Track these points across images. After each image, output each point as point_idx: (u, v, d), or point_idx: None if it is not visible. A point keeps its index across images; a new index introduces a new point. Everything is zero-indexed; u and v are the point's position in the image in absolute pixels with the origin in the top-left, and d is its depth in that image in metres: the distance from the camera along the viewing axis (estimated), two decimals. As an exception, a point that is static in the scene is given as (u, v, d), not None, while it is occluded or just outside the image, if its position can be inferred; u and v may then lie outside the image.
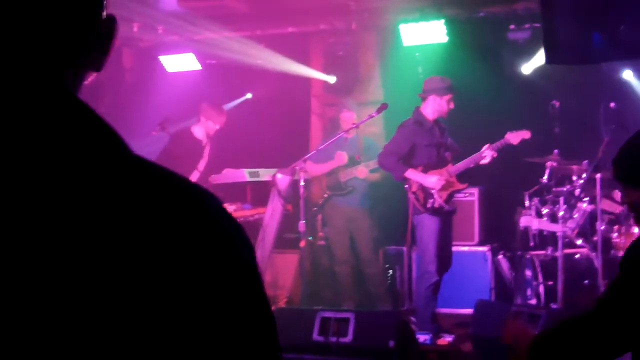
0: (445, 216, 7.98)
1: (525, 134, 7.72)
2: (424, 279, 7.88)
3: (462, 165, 7.90)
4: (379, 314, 7.51)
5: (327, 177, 9.13)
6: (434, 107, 7.96)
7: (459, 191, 8.16)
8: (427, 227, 7.89)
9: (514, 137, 7.75)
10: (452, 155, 8.03)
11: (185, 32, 10.32)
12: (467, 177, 8.05)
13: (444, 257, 7.93)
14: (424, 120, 7.98)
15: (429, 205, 7.90)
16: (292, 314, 7.39)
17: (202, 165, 8.87)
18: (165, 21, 10.20)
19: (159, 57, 10.74)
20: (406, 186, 8.02)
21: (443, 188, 7.89)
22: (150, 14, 9.73)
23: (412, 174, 7.92)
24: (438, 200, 7.89)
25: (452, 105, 7.97)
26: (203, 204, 1.22)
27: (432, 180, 7.87)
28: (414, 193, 7.96)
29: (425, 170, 7.93)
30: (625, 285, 2.99)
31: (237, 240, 1.22)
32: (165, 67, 10.81)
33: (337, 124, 9.34)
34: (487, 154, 7.79)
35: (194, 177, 8.69)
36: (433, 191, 7.88)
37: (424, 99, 8.01)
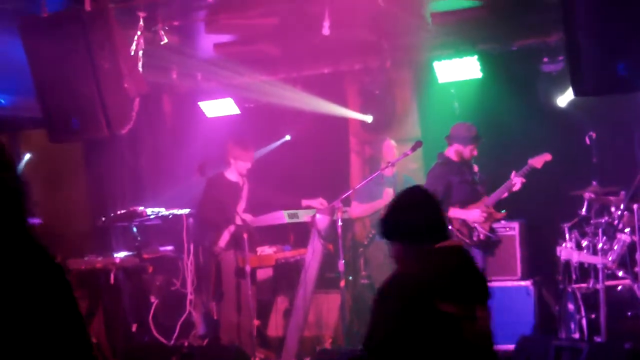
0: (489, 248, 8.12)
1: (547, 157, 8.02)
2: None
3: (495, 195, 8.12)
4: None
5: (370, 215, 9.18)
6: (457, 153, 8.19)
7: (499, 220, 8.31)
8: (480, 258, 8.07)
9: (537, 161, 8.04)
10: (484, 188, 8.15)
11: (222, 77, 10.47)
12: (507, 209, 8.10)
13: None
14: (450, 161, 8.17)
15: (475, 239, 8.10)
16: (336, 354, 7.42)
17: (241, 207, 8.96)
18: (202, 68, 10.37)
19: (198, 103, 10.90)
20: (450, 227, 8.09)
21: (485, 220, 8.08)
22: (188, 62, 9.91)
23: (454, 212, 8.14)
24: (482, 232, 8.12)
25: (475, 153, 8.27)
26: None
27: (475, 214, 8.13)
28: (458, 230, 8.08)
29: (463, 206, 8.10)
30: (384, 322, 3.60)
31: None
32: (205, 113, 10.97)
33: (377, 161, 9.41)
34: (516, 181, 7.99)
35: (234, 219, 8.80)
36: (476, 225, 8.08)
37: (449, 143, 8.21)
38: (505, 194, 8.15)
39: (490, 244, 8.19)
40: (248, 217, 8.67)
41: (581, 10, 5.60)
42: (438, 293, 3.64)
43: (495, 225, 8.75)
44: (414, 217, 3.86)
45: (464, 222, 8.16)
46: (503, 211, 8.19)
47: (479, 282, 3.92)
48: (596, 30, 5.71)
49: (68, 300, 1.59)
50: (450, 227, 8.12)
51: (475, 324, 3.72)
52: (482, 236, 8.12)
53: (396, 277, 3.79)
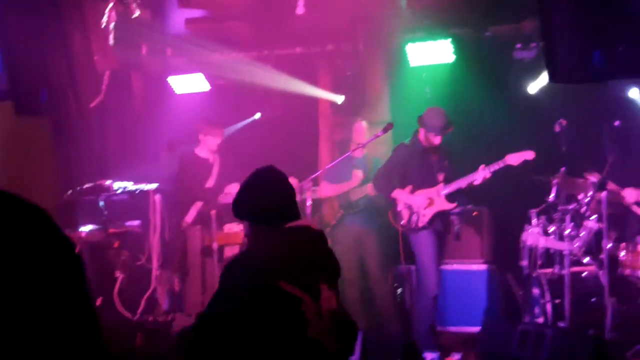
0: (440, 235, 8.11)
1: (528, 155, 7.82)
2: (422, 294, 8.02)
3: (454, 185, 8.07)
4: (387, 335, 7.53)
5: (338, 196, 9.16)
6: (425, 138, 8.21)
7: (445, 212, 8.21)
8: (422, 244, 8.18)
9: (515, 159, 7.88)
10: (445, 176, 8.10)
11: (193, 54, 10.38)
12: (472, 196, 8.08)
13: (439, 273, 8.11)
14: (417, 142, 8.16)
15: (412, 225, 8.18)
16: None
17: (211, 183, 8.93)
18: (173, 44, 10.27)
19: (167, 78, 10.79)
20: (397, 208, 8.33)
21: (428, 207, 8.09)
22: (158, 37, 9.80)
23: (398, 194, 8.25)
24: (422, 219, 8.15)
25: (438, 141, 8.11)
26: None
27: (416, 200, 8.18)
28: (399, 212, 8.29)
29: (415, 189, 8.13)
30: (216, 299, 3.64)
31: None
32: (174, 89, 10.87)
33: (346, 143, 9.38)
34: (479, 175, 7.85)
35: (202, 196, 8.75)
36: (419, 210, 8.13)
37: (420, 125, 8.19)
38: (464, 186, 8.10)
39: (436, 232, 8.18)
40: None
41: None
42: (281, 273, 3.68)
43: (461, 210, 8.81)
44: (261, 197, 3.93)
45: (407, 205, 8.25)
46: (455, 203, 8.18)
47: (326, 262, 3.98)
48: (573, 19, 5.74)
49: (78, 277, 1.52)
50: (397, 209, 8.31)
51: (319, 304, 3.75)
52: (420, 223, 8.16)
53: (242, 255, 3.91)
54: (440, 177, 8.17)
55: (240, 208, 4.01)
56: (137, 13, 7.98)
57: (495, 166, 7.92)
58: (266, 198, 3.92)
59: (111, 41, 7.56)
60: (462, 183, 8.05)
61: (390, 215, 8.50)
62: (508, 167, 7.88)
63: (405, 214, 8.29)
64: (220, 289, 3.72)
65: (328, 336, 3.77)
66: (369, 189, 8.95)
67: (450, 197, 8.14)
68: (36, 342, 1.37)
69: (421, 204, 8.17)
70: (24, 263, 1.38)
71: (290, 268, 3.73)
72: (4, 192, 1.47)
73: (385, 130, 8.22)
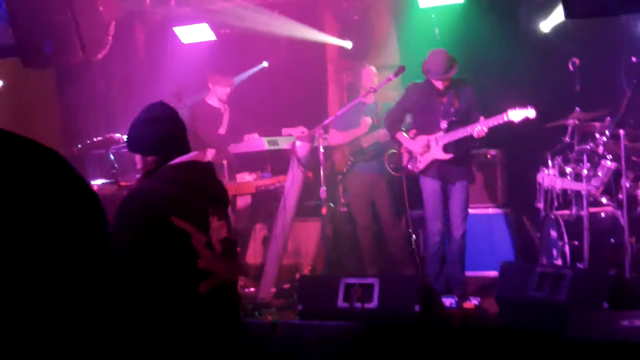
0: (443, 181, 7.97)
1: (530, 113, 7.48)
2: (427, 239, 7.96)
3: (452, 135, 7.83)
4: (404, 278, 7.49)
5: (349, 143, 9.07)
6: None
7: (437, 161, 8.00)
8: (422, 190, 8.11)
9: (516, 115, 7.51)
10: (450, 122, 7.88)
11: (196, 2, 10.22)
12: (485, 138, 7.91)
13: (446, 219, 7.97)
14: (429, 85, 7.96)
15: (410, 167, 8.15)
16: (316, 282, 7.38)
17: (222, 131, 8.86)
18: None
19: (173, 28, 10.64)
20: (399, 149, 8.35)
21: (425, 154, 8.01)
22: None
23: (401, 136, 8.17)
24: (418, 165, 8.06)
25: (446, 84, 7.91)
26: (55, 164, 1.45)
27: (414, 145, 8.07)
28: (401, 153, 8.30)
29: (418, 134, 7.98)
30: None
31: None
32: (180, 39, 10.73)
33: (356, 88, 9.27)
34: (475, 130, 7.65)
35: (214, 145, 8.68)
36: (415, 156, 8.06)
37: (423, 71, 8.03)
38: (463, 137, 7.81)
39: (436, 178, 8.02)
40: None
41: None
42: (172, 208, 3.77)
43: (475, 152, 8.70)
44: (150, 130, 3.98)
45: (406, 149, 8.20)
46: (450, 155, 7.95)
47: (215, 193, 4.07)
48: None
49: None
50: (399, 149, 8.31)
51: (209, 235, 3.83)
52: (415, 169, 8.10)
53: (136, 191, 3.92)
54: (444, 123, 7.93)
55: (131, 141, 4.09)
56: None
57: (494, 121, 7.58)
58: (153, 131, 3.98)
59: (115, -10, 7.43)
60: (458, 134, 7.81)
61: (385, 159, 8.48)
62: (504, 125, 7.66)
63: (405, 158, 8.24)
64: (115, 227, 3.72)
65: (219, 264, 3.83)
66: (380, 135, 8.85)
67: (447, 147, 7.93)
68: (55, 292, 1.34)
69: (419, 149, 8.04)
70: (45, 206, 1.36)
71: (181, 202, 3.82)
72: (19, 136, 1.39)
73: (396, 73, 8.08)
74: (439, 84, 7.90)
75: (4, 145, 1.38)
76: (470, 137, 7.78)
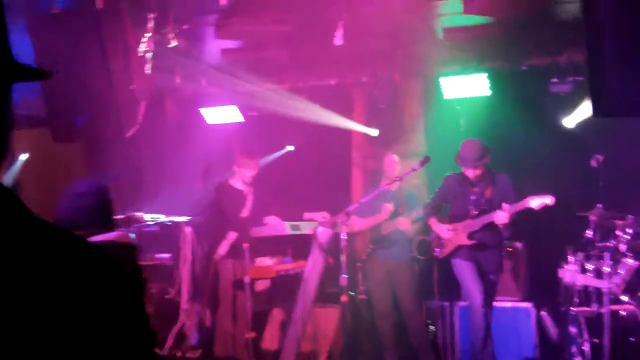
0: (479, 265, 7.97)
1: (548, 199, 7.48)
2: (472, 314, 7.99)
3: (477, 222, 7.87)
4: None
5: (370, 230, 9.08)
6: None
7: (461, 246, 8.05)
8: (456, 268, 8.13)
9: (535, 202, 7.52)
10: (480, 210, 7.93)
11: (227, 84, 10.38)
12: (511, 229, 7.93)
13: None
14: (462, 175, 8.06)
15: (435, 253, 8.25)
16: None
17: (245, 214, 8.89)
18: (208, 73, 10.28)
19: (199, 109, 10.80)
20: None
21: (451, 240, 8.08)
22: (193, 66, 9.81)
23: (433, 222, 8.32)
24: (443, 250, 8.16)
25: (478, 173, 7.98)
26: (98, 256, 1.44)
27: (442, 230, 8.18)
28: (431, 240, 8.43)
29: (451, 222, 8.06)
30: None
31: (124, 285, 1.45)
32: (205, 120, 10.88)
33: (379, 175, 9.31)
34: (500, 216, 7.66)
35: (236, 228, 8.71)
36: (443, 241, 8.17)
37: (456, 162, 8.14)
38: (481, 225, 7.87)
39: (469, 258, 8.03)
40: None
41: (605, 27, 5.52)
42: None
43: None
44: (76, 204, 4.09)
45: (436, 235, 8.32)
46: (473, 241, 7.99)
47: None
48: (620, 49, 5.63)
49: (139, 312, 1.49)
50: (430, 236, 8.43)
51: None
52: (441, 255, 8.19)
53: None
54: (473, 211, 8.00)
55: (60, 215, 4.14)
56: (174, 43, 7.98)
57: (515, 208, 7.62)
58: (83, 205, 4.08)
59: (148, 70, 7.56)
60: (482, 221, 7.86)
61: (415, 244, 8.53)
62: (525, 211, 7.68)
63: (434, 243, 8.30)
64: None
65: None
66: (400, 222, 8.88)
67: (473, 234, 7.96)
68: None
69: (446, 235, 8.13)
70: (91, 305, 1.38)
71: None
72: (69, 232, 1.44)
73: (422, 163, 8.13)
74: (470, 173, 7.97)
75: (57, 243, 1.41)
76: (500, 228, 7.79)
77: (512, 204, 7.65)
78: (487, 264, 7.96)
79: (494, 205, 7.81)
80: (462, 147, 8.09)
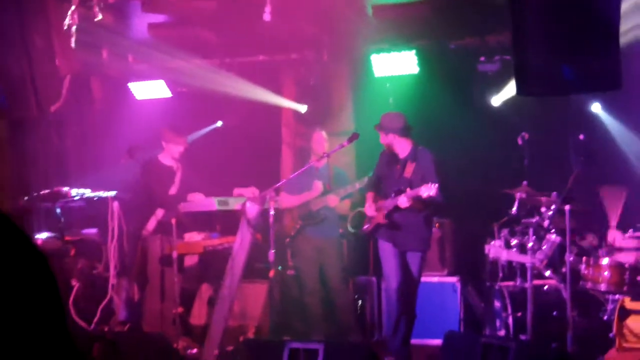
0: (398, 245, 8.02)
1: (432, 190, 7.35)
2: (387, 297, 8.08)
3: (388, 203, 7.89)
4: (349, 345, 7.47)
5: (299, 207, 9.10)
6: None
7: (379, 225, 8.05)
8: (379, 249, 8.14)
9: (425, 191, 7.43)
10: (396, 190, 7.91)
11: (155, 60, 10.26)
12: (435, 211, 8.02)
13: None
14: (392, 153, 8.07)
15: (364, 229, 8.31)
16: (261, 345, 7.34)
17: (173, 191, 8.82)
18: (135, 49, 10.14)
19: (128, 84, 10.66)
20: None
21: (374, 218, 8.09)
22: (120, 42, 9.67)
23: (368, 196, 8.27)
24: (368, 227, 8.20)
25: (390, 140, 8.02)
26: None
27: (368, 208, 8.17)
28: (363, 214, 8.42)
29: (380, 199, 8.07)
30: None
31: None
32: (134, 95, 10.74)
33: (308, 152, 9.32)
34: (402, 200, 7.67)
35: (164, 204, 8.65)
36: (369, 219, 8.20)
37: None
38: (392, 207, 7.84)
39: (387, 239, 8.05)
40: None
41: (529, 10, 5.59)
42: None
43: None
44: None
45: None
46: (386, 220, 7.99)
47: None
48: (544, 31, 5.71)
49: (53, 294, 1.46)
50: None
51: None
52: (367, 231, 8.25)
53: None
54: (393, 189, 7.98)
55: None
56: (99, 17, 7.83)
57: (413, 194, 7.57)
58: None
59: (73, 44, 7.42)
60: (392, 203, 7.86)
61: (349, 218, 8.62)
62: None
63: (366, 219, 8.31)
64: None
65: None
66: (329, 199, 8.92)
67: (390, 214, 7.97)
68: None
69: (369, 212, 8.15)
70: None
71: None
72: None
73: (350, 140, 8.15)
74: (383, 139, 7.98)
75: None
76: (417, 210, 7.80)
77: (417, 187, 7.58)
78: (404, 243, 7.95)
79: (412, 185, 7.79)
80: (381, 117, 8.12)
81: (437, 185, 7.38)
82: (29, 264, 1.39)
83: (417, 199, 7.56)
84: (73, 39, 7.48)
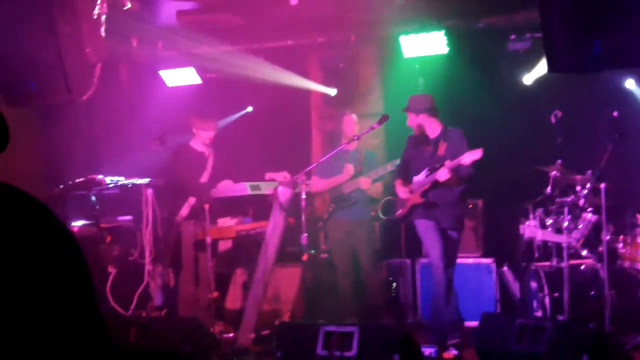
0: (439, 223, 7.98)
1: (476, 154, 7.39)
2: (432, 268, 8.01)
3: (427, 180, 7.84)
4: (383, 327, 7.45)
5: (330, 190, 9.09)
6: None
7: (416, 205, 8.03)
8: (419, 228, 8.10)
9: (467, 157, 7.45)
10: (430, 169, 7.87)
11: (183, 46, 10.27)
12: (470, 187, 7.97)
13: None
14: (422, 135, 8.05)
15: (397, 214, 8.27)
16: (296, 329, 7.34)
17: (205, 177, 8.86)
18: (164, 36, 10.16)
19: (159, 71, 10.68)
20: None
21: (408, 200, 8.08)
22: (149, 30, 9.69)
23: (396, 183, 8.28)
24: (402, 211, 8.18)
25: (421, 121, 8.00)
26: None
27: (400, 191, 8.18)
28: (395, 201, 8.40)
29: (408, 182, 8.01)
30: None
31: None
32: (165, 82, 10.76)
33: (338, 135, 9.32)
34: (442, 173, 7.65)
35: (196, 190, 8.68)
36: (402, 202, 8.18)
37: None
38: (430, 183, 7.83)
39: (425, 219, 8.01)
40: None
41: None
42: None
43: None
44: None
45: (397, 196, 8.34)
46: (423, 199, 7.97)
47: None
48: (572, 8, 5.65)
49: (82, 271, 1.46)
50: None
51: None
52: (398, 215, 8.25)
53: None
54: (426, 170, 7.96)
55: None
56: (128, 5, 7.86)
57: (453, 164, 7.57)
58: None
59: (102, 33, 7.44)
60: (430, 180, 7.84)
61: (380, 205, 8.67)
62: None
63: (397, 205, 8.30)
64: None
65: None
66: (361, 182, 8.90)
67: (425, 193, 7.94)
68: (39, 338, 1.35)
69: (402, 195, 8.13)
70: (29, 257, 1.36)
71: None
72: (5, 184, 1.41)
73: (380, 122, 8.12)
74: (412, 121, 7.97)
75: None
76: (455, 185, 7.80)
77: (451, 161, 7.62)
78: (443, 220, 7.95)
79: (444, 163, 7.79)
80: (409, 100, 8.11)
81: (481, 149, 7.38)
82: (62, 250, 1.41)
83: (457, 171, 7.57)
84: (102, 28, 7.50)
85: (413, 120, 8.01)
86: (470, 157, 7.42)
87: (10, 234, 1.34)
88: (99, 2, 7.50)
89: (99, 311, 1.47)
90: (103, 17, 7.57)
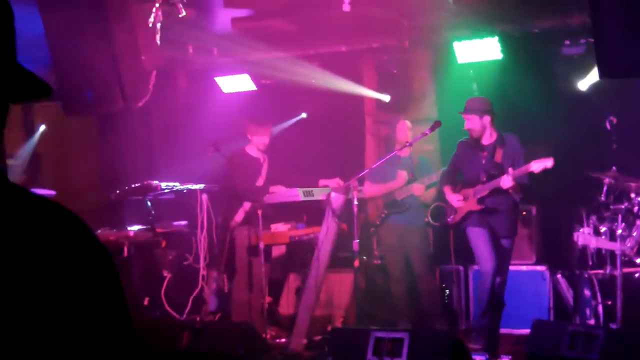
0: (494, 231, 7.90)
1: (549, 162, 7.29)
2: (480, 280, 7.91)
3: (485, 187, 7.76)
4: (434, 333, 7.44)
5: (383, 196, 9.11)
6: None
7: (472, 212, 7.92)
8: (471, 236, 7.94)
9: (536, 165, 7.33)
10: (487, 175, 7.81)
11: (238, 53, 10.38)
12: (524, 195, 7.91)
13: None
14: (476, 141, 7.95)
15: (449, 220, 8.14)
16: (347, 334, 7.38)
17: (260, 182, 8.94)
18: (219, 43, 10.27)
19: (214, 78, 10.82)
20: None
21: (462, 206, 7.97)
22: (204, 37, 9.82)
23: (445, 189, 8.16)
24: (455, 217, 8.05)
25: (476, 123, 7.90)
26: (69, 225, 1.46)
27: (453, 197, 8.03)
28: (445, 206, 8.34)
29: (464, 187, 7.99)
30: None
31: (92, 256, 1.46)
32: (221, 88, 10.90)
33: (391, 141, 9.33)
34: (506, 180, 7.55)
35: (251, 196, 8.76)
36: (455, 208, 8.05)
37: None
38: (488, 190, 7.72)
39: (479, 225, 7.86)
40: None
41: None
42: None
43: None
44: None
45: (448, 203, 8.18)
46: (482, 206, 7.82)
47: None
48: (624, 13, 5.60)
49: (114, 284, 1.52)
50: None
51: None
52: (451, 221, 8.10)
53: None
54: (483, 176, 7.90)
55: None
56: (183, 13, 7.98)
57: (519, 172, 7.47)
58: None
59: (158, 41, 7.58)
60: (492, 186, 7.72)
61: (429, 211, 8.75)
62: (558, 162, 7.52)
63: (448, 211, 8.22)
64: None
65: None
66: (414, 188, 8.90)
67: (482, 200, 7.85)
68: (71, 348, 1.38)
69: (456, 204, 8.01)
70: (62, 270, 1.39)
71: None
72: (44, 198, 1.46)
73: (432, 128, 8.11)
74: (469, 124, 7.86)
75: (29, 208, 1.44)
76: (510, 193, 7.71)
77: (517, 168, 7.55)
78: (499, 228, 7.87)
79: (504, 169, 7.70)
80: (467, 102, 8.04)
81: (551, 158, 7.27)
82: (91, 259, 1.45)
83: (522, 178, 7.50)
84: (158, 36, 7.64)
85: (476, 123, 7.87)
86: (540, 165, 7.32)
87: (44, 247, 1.39)
88: (154, 10, 7.64)
89: (131, 326, 1.52)
90: (158, 25, 7.71)
